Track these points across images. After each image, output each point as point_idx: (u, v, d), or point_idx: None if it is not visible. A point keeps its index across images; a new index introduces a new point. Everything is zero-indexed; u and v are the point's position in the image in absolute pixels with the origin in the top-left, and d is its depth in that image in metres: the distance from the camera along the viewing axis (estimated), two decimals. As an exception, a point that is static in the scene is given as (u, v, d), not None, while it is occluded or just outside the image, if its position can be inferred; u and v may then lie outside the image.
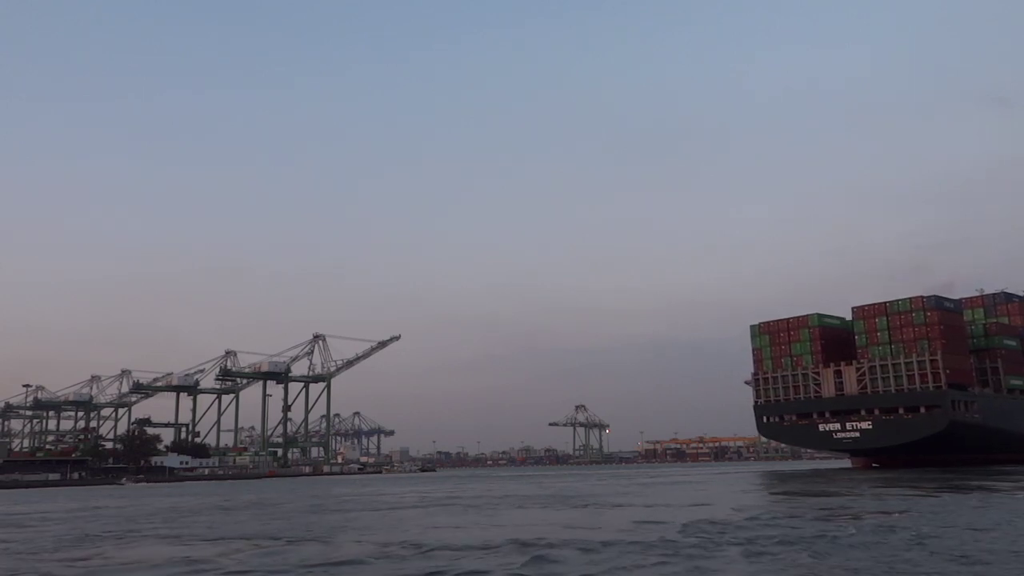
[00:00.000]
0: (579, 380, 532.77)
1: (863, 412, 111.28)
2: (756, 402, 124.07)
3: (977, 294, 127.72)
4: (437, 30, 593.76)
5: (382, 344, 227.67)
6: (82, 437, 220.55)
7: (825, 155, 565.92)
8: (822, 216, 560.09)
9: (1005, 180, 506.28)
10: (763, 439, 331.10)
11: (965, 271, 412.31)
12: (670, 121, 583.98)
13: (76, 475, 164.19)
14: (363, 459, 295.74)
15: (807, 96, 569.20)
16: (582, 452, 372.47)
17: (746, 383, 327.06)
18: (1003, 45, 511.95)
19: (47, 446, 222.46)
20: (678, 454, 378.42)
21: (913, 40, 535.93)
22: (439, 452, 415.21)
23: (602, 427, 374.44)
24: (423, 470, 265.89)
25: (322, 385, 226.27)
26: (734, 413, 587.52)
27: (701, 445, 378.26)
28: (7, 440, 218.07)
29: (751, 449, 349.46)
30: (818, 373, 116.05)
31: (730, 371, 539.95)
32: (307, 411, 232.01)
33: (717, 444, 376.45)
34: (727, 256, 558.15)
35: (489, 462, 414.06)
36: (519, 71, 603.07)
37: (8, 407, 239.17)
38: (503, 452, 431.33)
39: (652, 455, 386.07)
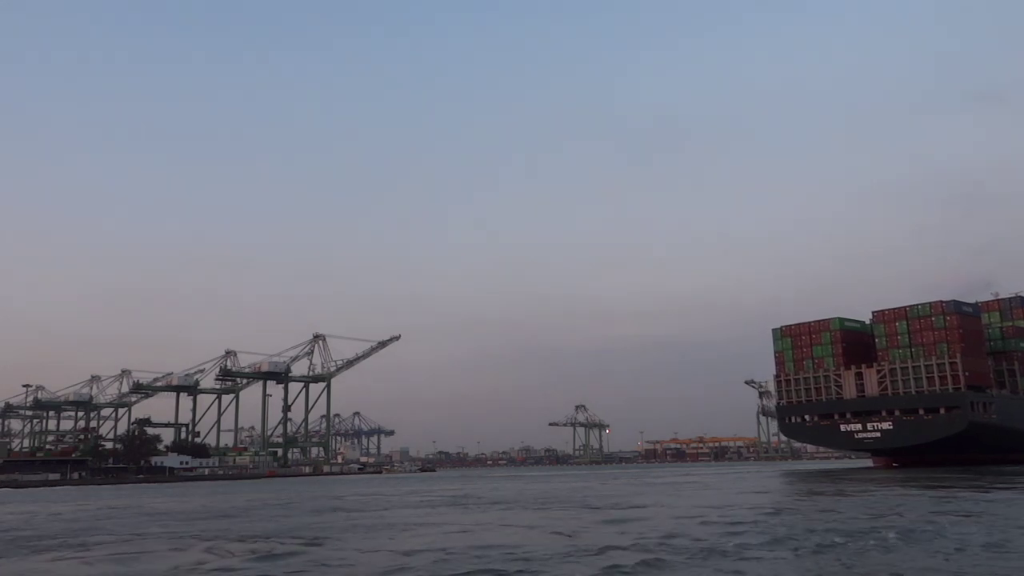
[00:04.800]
0: (579, 380, 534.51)
1: (884, 413, 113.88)
2: (778, 403, 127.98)
3: (993, 298, 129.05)
4: (438, 34, 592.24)
5: (382, 344, 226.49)
6: (82, 437, 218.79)
7: (829, 156, 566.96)
8: (825, 217, 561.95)
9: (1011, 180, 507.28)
10: (762, 439, 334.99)
11: (974, 272, 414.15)
12: (673, 121, 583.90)
13: (76, 475, 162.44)
14: (363, 459, 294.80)
15: (811, 97, 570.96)
16: (582, 452, 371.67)
17: (747, 383, 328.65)
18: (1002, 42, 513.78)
19: (47, 446, 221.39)
20: (678, 454, 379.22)
21: (915, 40, 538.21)
22: (439, 452, 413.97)
23: (602, 427, 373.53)
24: (423, 470, 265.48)
25: (322, 385, 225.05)
26: (734, 413, 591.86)
27: (701, 445, 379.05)
28: (7, 440, 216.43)
29: (751, 449, 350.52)
30: (839, 375, 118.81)
31: (730, 371, 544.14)
32: (307, 411, 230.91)
33: (717, 444, 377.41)
34: (728, 258, 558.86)
35: (489, 462, 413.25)
36: (523, 71, 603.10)
37: (8, 407, 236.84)
38: (503, 452, 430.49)
39: (652, 455, 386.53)
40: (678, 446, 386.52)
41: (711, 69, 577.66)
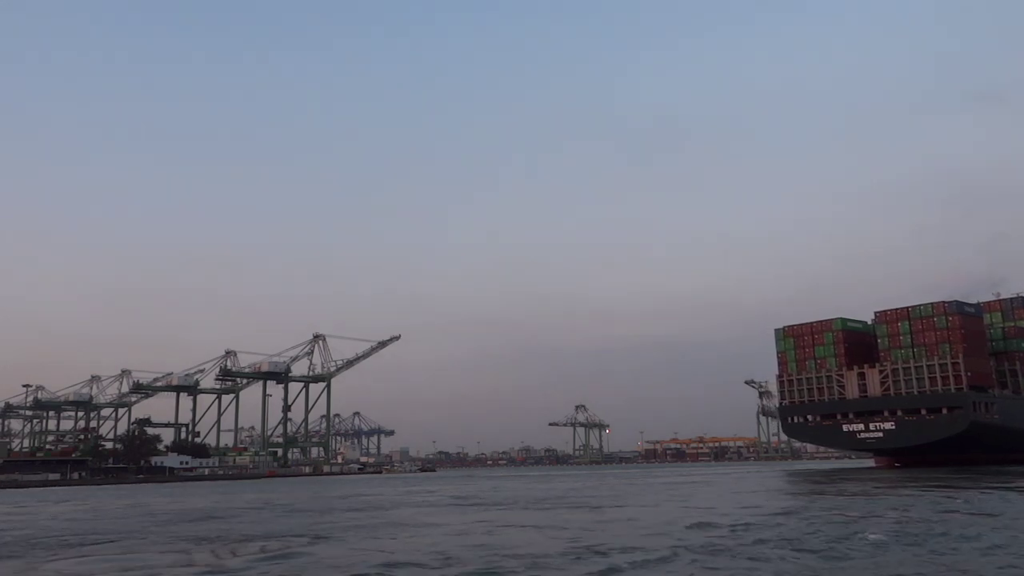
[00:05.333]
0: (579, 380, 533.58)
1: (886, 413, 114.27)
2: (781, 403, 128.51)
3: (995, 298, 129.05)
4: (438, 34, 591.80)
5: (382, 344, 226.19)
6: (82, 437, 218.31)
7: (829, 156, 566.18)
8: (825, 217, 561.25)
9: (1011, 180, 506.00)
10: (762, 439, 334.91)
11: (975, 272, 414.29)
12: (673, 121, 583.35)
13: (76, 475, 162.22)
14: (363, 459, 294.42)
15: (811, 97, 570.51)
16: (582, 452, 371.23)
17: (747, 383, 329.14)
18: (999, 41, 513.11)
19: (47, 446, 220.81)
20: (678, 454, 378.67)
21: (915, 40, 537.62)
22: (439, 452, 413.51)
23: (602, 427, 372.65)
24: (423, 470, 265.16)
25: (322, 385, 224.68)
26: (734, 413, 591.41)
27: (701, 445, 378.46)
28: (7, 440, 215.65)
29: (751, 449, 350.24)
30: (842, 375, 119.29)
31: (730, 371, 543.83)
32: (307, 411, 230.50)
33: (717, 444, 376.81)
34: (728, 258, 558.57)
35: (489, 462, 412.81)
36: (523, 71, 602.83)
37: (8, 407, 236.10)
38: (503, 452, 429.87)
39: (652, 455, 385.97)
40: (678, 446, 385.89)
41: (711, 69, 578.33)
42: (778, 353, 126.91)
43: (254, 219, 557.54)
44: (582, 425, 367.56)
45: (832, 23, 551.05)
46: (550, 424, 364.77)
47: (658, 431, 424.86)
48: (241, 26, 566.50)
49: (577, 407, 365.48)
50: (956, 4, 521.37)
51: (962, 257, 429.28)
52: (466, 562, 20.88)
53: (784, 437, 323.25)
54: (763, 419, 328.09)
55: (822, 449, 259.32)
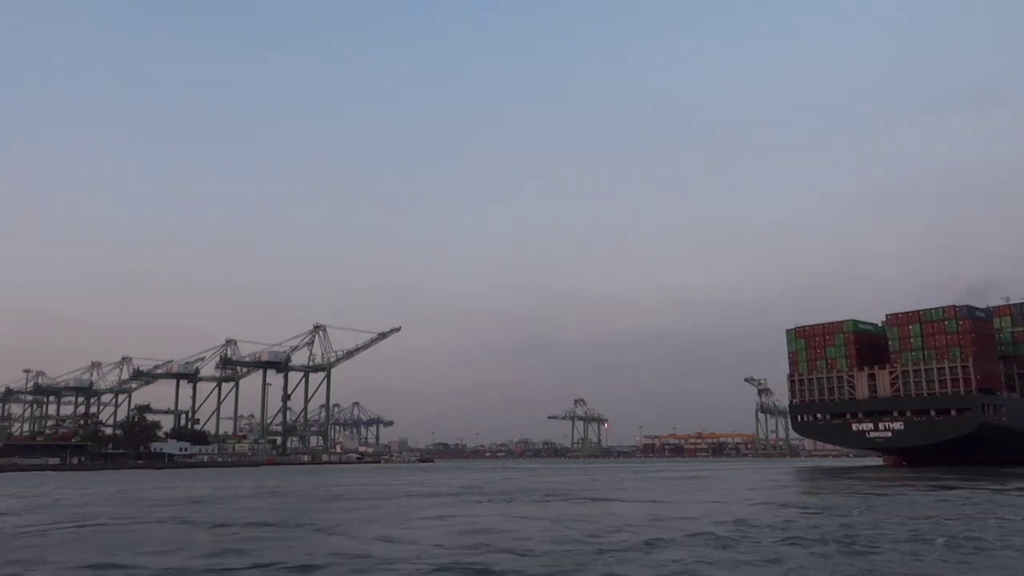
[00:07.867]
0: (578, 374, 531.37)
1: (895, 413, 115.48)
2: (792, 402, 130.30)
3: (1004, 303, 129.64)
4: (438, 34, 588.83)
5: (382, 335, 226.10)
6: (82, 423, 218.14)
7: (830, 156, 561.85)
8: (824, 217, 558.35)
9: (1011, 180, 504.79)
10: (760, 436, 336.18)
11: (975, 273, 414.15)
12: (674, 121, 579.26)
13: (75, 460, 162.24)
14: (362, 449, 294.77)
15: (811, 97, 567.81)
16: (580, 446, 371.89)
17: (746, 380, 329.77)
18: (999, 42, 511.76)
19: (47, 431, 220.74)
20: (676, 449, 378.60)
21: (915, 40, 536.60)
22: (438, 443, 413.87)
23: (601, 421, 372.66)
24: (421, 461, 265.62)
25: (322, 375, 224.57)
26: (733, 410, 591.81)
27: (699, 441, 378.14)
28: (7, 424, 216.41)
29: (749, 446, 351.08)
30: (852, 376, 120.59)
31: (730, 368, 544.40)
32: (307, 400, 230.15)
33: (715, 440, 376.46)
34: (728, 255, 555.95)
35: (487, 454, 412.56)
36: (524, 70, 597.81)
37: (8, 392, 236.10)
38: (501, 444, 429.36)
39: (650, 450, 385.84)
40: (676, 441, 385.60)
41: (712, 69, 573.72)
42: (789, 353, 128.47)
43: (257, 211, 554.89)
44: (581, 419, 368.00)
45: (832, 23, 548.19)
46: (549, 417, 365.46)
47: (656, 426, 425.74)
48: (241, 26, 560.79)
49: (576, 401, 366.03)
50: (956, 4, 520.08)
51: (962, 257, 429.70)
52: (473, 556, 20.78)
53: (783, 434, 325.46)
54: (762, 416, 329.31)
55: (819, 446, 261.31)
